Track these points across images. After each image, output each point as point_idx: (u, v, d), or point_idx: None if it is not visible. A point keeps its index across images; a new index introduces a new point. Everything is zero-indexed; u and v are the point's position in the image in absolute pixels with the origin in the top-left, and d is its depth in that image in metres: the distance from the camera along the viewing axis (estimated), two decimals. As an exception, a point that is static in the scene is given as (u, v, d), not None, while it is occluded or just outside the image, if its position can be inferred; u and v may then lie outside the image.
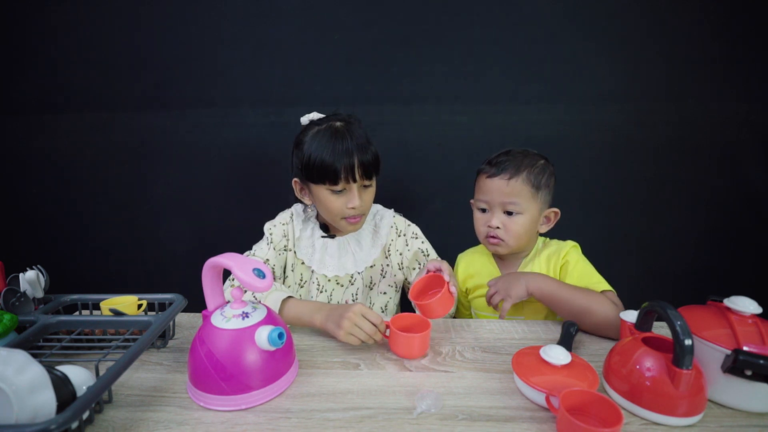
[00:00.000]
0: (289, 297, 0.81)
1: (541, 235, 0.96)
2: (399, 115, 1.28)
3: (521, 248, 0.93)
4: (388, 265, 1.02)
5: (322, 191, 0.88)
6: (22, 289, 0.75)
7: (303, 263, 0.97)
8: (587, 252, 0.95)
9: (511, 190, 0.85)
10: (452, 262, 1.08)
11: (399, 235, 1.03)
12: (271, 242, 0.95)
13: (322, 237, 0.97)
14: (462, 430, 0.55)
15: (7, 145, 1.35)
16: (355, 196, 0.88)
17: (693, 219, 1.32)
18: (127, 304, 0.79)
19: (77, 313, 0.82)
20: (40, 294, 0.79)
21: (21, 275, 0.77)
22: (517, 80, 1.25)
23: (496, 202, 0.87)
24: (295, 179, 0.94)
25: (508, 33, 1.22)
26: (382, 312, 1.04)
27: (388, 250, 1.02)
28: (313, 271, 0.96)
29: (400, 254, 1.02)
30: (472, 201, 0.95)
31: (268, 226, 0.98)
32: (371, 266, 0.99)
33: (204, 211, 1.38)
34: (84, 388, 0.54)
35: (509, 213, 0.87)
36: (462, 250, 1.07)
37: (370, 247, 0.99)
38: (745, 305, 0.59)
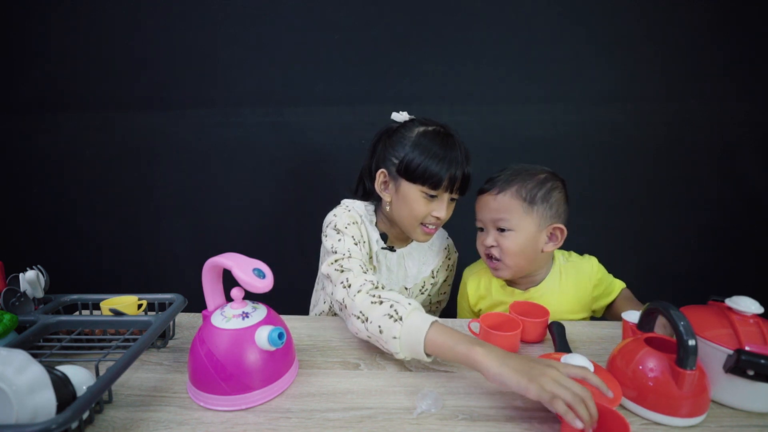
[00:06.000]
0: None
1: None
2: (399, 115, 1.28)
3: (524, 271, 0.87)
4: (432, 284, 1.00)
5: (415, 192, 0.82)
6: (22, 289, 0.75)
7: None
8: (588, 252, 0.95)
9: (498, 205, 0.83)
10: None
11: (448, 258, 1.02)
12: (358, 241, 0.84)
13: (383, 248, 0.91)
14: (462, 430, 0.54)
15: (7, 145, 1.35)
16: (444, 206, 0.84)
17: (693, 219, 1.33)
18: (127, 304, 0.79)
19: (77, 313, 0.82)
20: (40, 294, 0.78)
21: (21, 275, 0.77)
22: (517, 80, 1.25)
23: (488, 219, 0.85)
24: (383, 170, 0.86)
25: (508, 33, 1.22)
26: None
27: (436, 271, 0.99)
28: None
29: (444, 278, 1.03)
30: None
31: (342, 223, 0.85)
32: (416, 282, 0.97)
33: (204, 211, 1.38)
34: (84, 388, 0.54)
35: (501, 230, 0.83)
36: (461, 251, 1.06)
37: (422, 264, 0.97)
38: (747, 305, 0.59)
